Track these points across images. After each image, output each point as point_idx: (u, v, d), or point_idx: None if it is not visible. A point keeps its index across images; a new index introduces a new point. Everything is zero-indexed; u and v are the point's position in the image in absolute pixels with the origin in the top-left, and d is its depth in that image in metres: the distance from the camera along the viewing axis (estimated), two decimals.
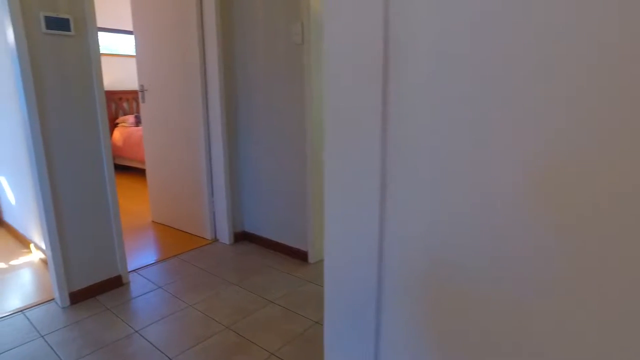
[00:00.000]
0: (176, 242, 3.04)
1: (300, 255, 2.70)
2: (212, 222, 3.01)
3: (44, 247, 2.67)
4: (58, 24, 2.02)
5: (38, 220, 2.68)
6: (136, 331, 1.97)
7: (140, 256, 2.82)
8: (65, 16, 2.04)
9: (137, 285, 2.42)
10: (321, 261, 2.67)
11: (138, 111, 6.24)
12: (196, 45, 2.74)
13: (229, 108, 2.81)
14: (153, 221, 3.49)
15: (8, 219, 3.34)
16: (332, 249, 0.79)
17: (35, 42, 1.95)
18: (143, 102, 3.25)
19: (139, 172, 5.50)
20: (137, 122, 5.69)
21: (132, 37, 6.15)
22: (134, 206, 3.96)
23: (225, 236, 2.98)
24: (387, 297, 0.72)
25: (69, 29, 2.05)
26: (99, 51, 2.17)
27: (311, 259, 2.64)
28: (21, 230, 3.09)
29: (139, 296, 2.29)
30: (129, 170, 5.63)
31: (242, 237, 3.04)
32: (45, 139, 2.02)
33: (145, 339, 1.91)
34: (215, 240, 3.04)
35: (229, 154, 2.86)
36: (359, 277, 0.76)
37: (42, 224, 2.10)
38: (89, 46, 2.13)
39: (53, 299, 2.25)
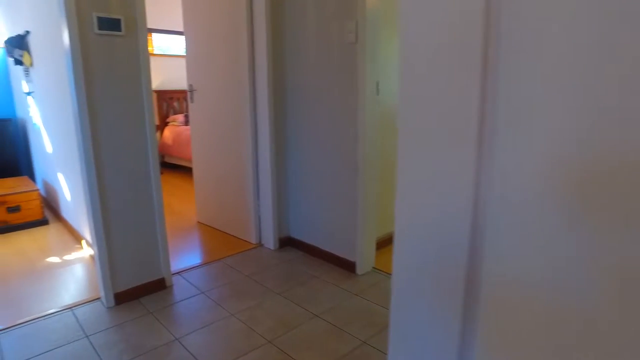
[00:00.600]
0: (220, 245, 2.99)
1: (347, 266, 2.56)
2: (257, 226, 2.94)
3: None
4: (109, 24, 2.01)
5: (87, 217, 2.72)
6: (176, 339, 1.92)
7: (184, 258, 2.79)
8: (117, 16, 2.02)
9: (180, 288, 2.38)
10: (369, 273, 2.52)
11: (188, 110, 6.35)
12: (245, 46, 2.67)
13: (277, 110, 2.72)
14: (198, 222, 3.48)
15: (65, 214, 3.45)
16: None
17: (87, 43, 1.94)
18: (192, 102, 3.24)
19: (188, 171, 5.58)
20: (187, 121, 5.78)
21: (182, 38, 6.26)
22: (181, 205, 3.99)
23: (270, 241, 2.89)
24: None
25: (119, 29, 2.03)
26: (148, 51, 2.14)
27: (359, 270, 2.50)
28: (75, 226, 3.17)
29: (181, 301, 2.25)
30: (178, 168, 5.73)
31: (287, 242, 2.95)
32: (94, 137, 2.01)
33: (185, 348, 1.84)
34: (260, 244, 2.97)
35: (276, 157, 2.78)
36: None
37: (90, 222, 2.10)
38: (138, 46, 2.10)
39: (99, 298, 2.25)
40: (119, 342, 1.90)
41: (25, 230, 3.40)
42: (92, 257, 2.80)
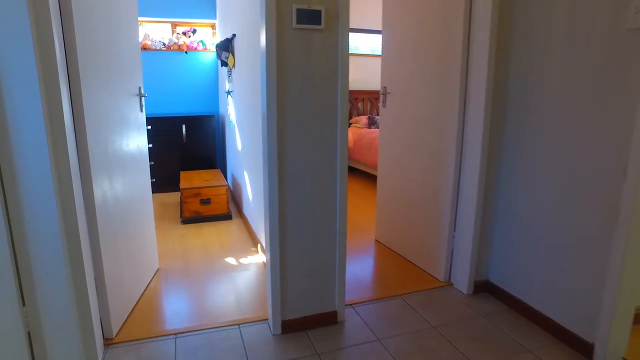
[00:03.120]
0: (401, 274, 2.55)
1: (579, 346, 1.81)
2: (449, 260, 2.40)
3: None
4: (309, 17, 1.73)
5: (264, 226, 2.60)
6: None
7: (357, 284, 2.44)
8: (318, 7, 1.73)
9: (352, 326, 2.01)
10: None
11: (372, 112, 6.10)
12: (459, 51, 2.14)
13: (494, 125, 2.12)
14: (376, 240, 3.11)
15: (246, 212, 3.49)
16: None
17: (284, 38, 1.70)
18: (383, 106, 2.86)
19: (367, 177, 5.31)
20: (370, 124, 5.52)
21: (370, 37, 6.02)
22: (357, 215, 3.69)
23: (462, 282, 2.32)
24: None
25: (319, 22, 1.74)
26: (348, 47, 1.81)
27: (600, 356, 1.73)
28: (253, 227, 3.14)
29: (353, 345, 1.87)
30: (357, 172, 5.52)
31: (483, 287, 2.32)
32: (280, 138, 1.77)
33: None
34: (449, 283, 2.42)
35: (485, 186, 2.18)
36: None
37: (266, 236, 1.89)
38: (337, 41, 1.79)
39: (266, 320, 2.05)
40: None
41: (212, 223, 3.55)
42: (265, 264, 2.67)
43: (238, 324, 2.02)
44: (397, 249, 2.86)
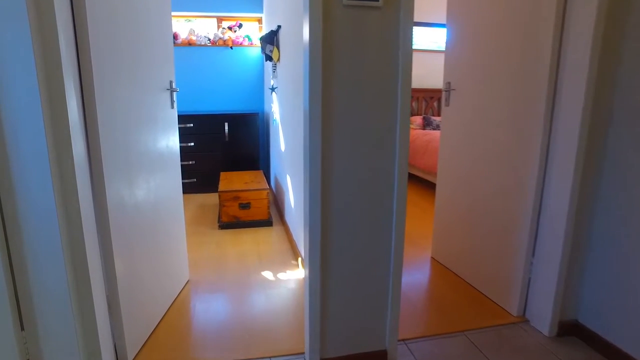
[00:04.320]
0: (462, 303, 2.15)
1: None
2: (524, 291, 1.98)
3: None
4: None
5: (304, 243, 2.29)
6: None
7: (411, 313, 2.07)
8: None
9: None
10: None
11: (427, 112, 5.66)
12: (548, 45, 1.73)
13: (590, 140, 1.69)
14: (432, 258, 2.72)
15: (288, 219, 3.21)
16: None
17: (332, 19, 1.37)
18: (446, 104, 2.47)
19: (420, 182, 4.90)
20: (425, 125, 5.09)
21: (425, 31, 5.57)
22: (410, 225, 3.30)
23: (542, 320, 1.89)
24: None
25: None
26: (412, 31, 1.46)
27: None
28: (294, 237, 2.85)
29: None
30: (409, 177, 5.10)
31: (571, 330, 1.88)
32: (325, 138, 1.45)
33: None
34: (524, 319, 1.99)
35: (576, 207, 1.74)
36: None
37: (305, 247, 1.57)
38: (398, 23, 1.44)
39: (302, 355, 1.74)
40: None
41: (251, 229, 3.29)
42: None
43: (270, 357, 1.72)
44: (457, 270, 2.46)
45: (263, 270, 2.55)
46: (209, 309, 2.08)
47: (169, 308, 2.10)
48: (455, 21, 2.38)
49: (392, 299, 1.63)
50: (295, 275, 2.48)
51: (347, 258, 1.56)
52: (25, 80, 1.17)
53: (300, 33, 2.37)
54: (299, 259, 2.57)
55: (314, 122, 1.41)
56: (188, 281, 2.40)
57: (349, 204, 1.51)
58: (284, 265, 2.62)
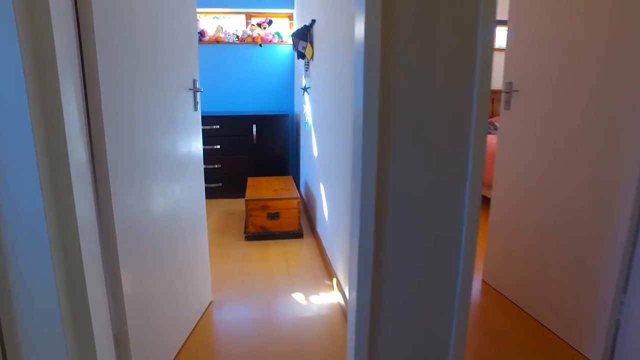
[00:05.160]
0: (525, 341, 1.81)
1: None
2: (611, 335, 1.63)
3: (347, 294, 1.97)
4: None
5: (345, 254, 2.00)
6: None
7: (466, 350, 1.75)
8: None
9: None
10: None
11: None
12: None
13: None
14: (484, 282, 2.38)
15: (320, 231, 2.93)
16: None
17: (392, 10, 1.08)
18: (507, 107, 2.13)
19: None
20: None
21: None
22: None
23: None
24: None
25: None
26: (495, 9, 1.15)
27: None
28: (328, 252, 2.57)
29: None
30: None
31: None
32: (382, 148, 1.16)
33: None
34: None
35: None
36: None
37: (352, 281, 1.29)
38: (478, 5, 1.13)
39: None
40: None
41: (280, 242, 3.03)
42: (342, 310, 2.08)
43: None
44: (516, 299, 2.12)
45: (293, 290, 2.28)
46: (233, 339, 1.82)
47: (189, 335, 1.86)
48: (521, 13, 2.04)
49: (454, 349, 1.32)
50: (330, 298, 2.20)
51: (404, 296, 1.26)
52: (12, 80, 0.94)
53: (339, 28, 2.09)
54: (334, 279, 2.29)
55: (369, 127, 1.12)
56: (211, 302, 2.16)
57: (408, 231, 1.21)
58: (316, 286, 2.34)
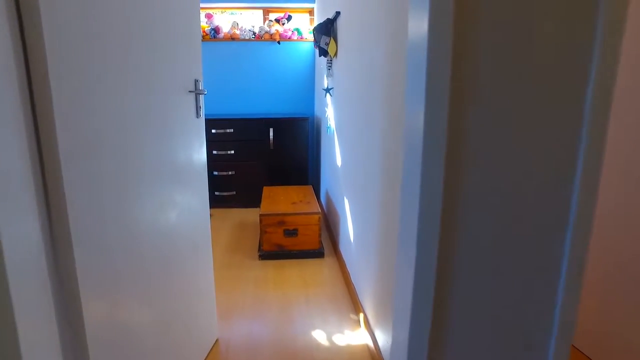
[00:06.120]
0: None
1: None
2: None
3: (377, 336, 1.61)
4: None
5: (375, 285, 1.65)
6: None
7: None
8: None
9: None
10: None
11: None
12: None
13: None
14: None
15: (343, 251, 2.59)
16: None
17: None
18: None
19: None
20: None
21: None
22: None
23: None
24: None
25: None
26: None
27: None
28: (353, 278, 2.22)
29: None
30: None
31: None
32: (450, 176, 0.81)
33: None
34: None
35: None
36: None
37: (397, 306, 0.94)
38: None
39: None
40: None
41: (298, 261, 2.70)
42: (370, 353, 1.73)
43: None
44: (589, 352, 1.73)
45: (313, 327, 1.95)
46: None
47: None
48: None
49: None
50: (357, 338, 1.86)
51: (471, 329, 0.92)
52: None
53: (368, 19, 1.75)
54: (361, 314, 1.95)
55: (432, 147, 0.77)
56: (217, 341, 1.84)
57: (481, 291, 0.87)
58: (340, 321, 2.00)
